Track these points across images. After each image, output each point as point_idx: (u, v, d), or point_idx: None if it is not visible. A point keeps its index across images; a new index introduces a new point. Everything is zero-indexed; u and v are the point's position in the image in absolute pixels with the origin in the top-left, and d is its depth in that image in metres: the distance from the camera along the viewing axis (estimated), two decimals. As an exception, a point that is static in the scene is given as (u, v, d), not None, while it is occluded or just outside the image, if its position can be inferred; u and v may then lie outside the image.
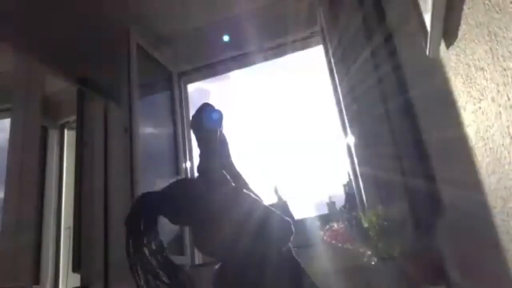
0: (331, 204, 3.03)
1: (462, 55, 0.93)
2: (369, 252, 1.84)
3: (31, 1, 2.49)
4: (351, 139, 2.27)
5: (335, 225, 2.07)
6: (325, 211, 3.03)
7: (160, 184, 1.18)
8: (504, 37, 0.66)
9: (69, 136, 3.37)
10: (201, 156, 1.20)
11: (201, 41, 3.12)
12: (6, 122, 2.78)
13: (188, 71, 3.23)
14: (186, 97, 3.23)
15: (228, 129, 1.30)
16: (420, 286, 1.72)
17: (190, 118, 1.28)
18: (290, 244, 1.13)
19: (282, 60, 3.14)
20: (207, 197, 1.09)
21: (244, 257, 1.05)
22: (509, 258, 0.89)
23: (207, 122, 1.19)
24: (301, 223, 2.81)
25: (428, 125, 1.67)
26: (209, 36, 3.08)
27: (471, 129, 0.99)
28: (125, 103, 2.62)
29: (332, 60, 2.42)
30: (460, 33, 0.91)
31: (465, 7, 0.83)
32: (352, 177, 2.37)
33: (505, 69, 0.68)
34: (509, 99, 0.69)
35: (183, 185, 1.23)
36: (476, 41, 0.81)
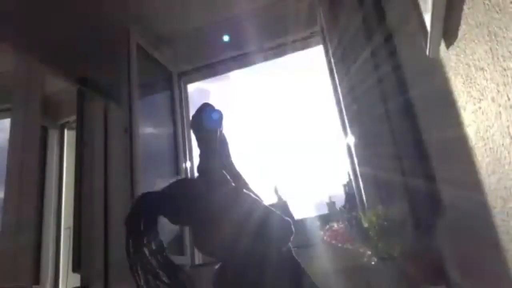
0: (331, 204, 3.03)
1: (462, 55, 0.93)
2: (369, 252, 1.84)
3: (31, 1, 2.49)
4: (351, 139, 2.27)
5: (335, 225, 2.07)
6: (325, 211, 3.03)
7: (160, 184, 1.18)
8: (504, 37, 0.66)
9: (69, 136, 3.37)
10: (201, 156, 1.20)
11: (201, 41, 3.12)
12: (6, 122, 2.78)
13: (188, 71, 3.23)
14: (186, 97, 3.23)
15: (228, 129, 1.30)
16: (420, 286, 1.72)
17: (190, 118, 1.28)
18: (290, 244, 1.13)
19: (282, 60, 3.14)
20: (207, 197, 1.09)
21: (244, 257, 1.05)
22: (509, 258, 0.89)
23: (207, 122, 1.19)
24: (301, 223, 2.81)
25: (428, 125, 1.67)
26: (209, 36, 3.08)
27: (471, 129, 0.99)
28: (125, 103, 2.62)
29: (332, 60, 2.42)
30: (460, 33, 0.91)
31: (465, 7, 0.83)
32: (352, 177, 2.37)
33: (505, 69, 0.68)
34: (509, 99, 0.69)
35: (183, 185, 1.23)
36: (476, 41, 0.81)
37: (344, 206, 2.53)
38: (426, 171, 1.71)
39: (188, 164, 2.98)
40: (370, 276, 1.92)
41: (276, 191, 3.22)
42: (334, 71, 2.41)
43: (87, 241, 2.78)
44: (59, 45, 2.72)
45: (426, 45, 1.15)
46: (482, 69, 0.81)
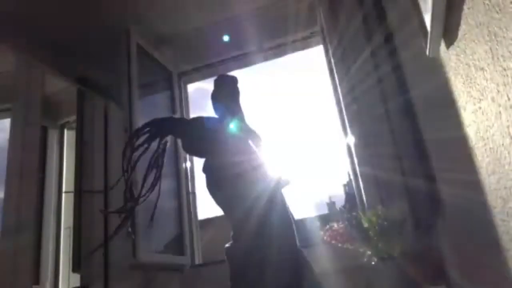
0: (331, 204, 3.04)
1: (462, 55, 0.93)
2: (369, 252, 1.84)
3: (31, 1, 2.49)
4: (351, 139, 2.26)
5: (335, 225, 2.07)
6: (325, 211, 3.04)
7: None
8: (504, 37, 0.66)
9: (69, 136, 3.37)
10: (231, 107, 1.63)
11: (201, 41, 3.12)
12: (6, 122, 2.78)
13: (188, 71, 3.23)
14: (186, 97, 3.23)
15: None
16: (420, 286, 1.72)
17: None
18: (295, 238, 1.23)
19: (282, 60, 3.14)
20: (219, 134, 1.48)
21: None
22: (509, 258, 0.89)
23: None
24: (301, 223, 2.81)
25: (428, 125, 1.67)
26: (209, 36, 3.08)
27: (471, 129, 0.99)
28: (125, 103, 2.62)
29: (332, 60, 2.42)
30: (460, 33, 0.90)
31: (465, 7, 0.83)
32: (352, 177, 2.37)
33: (505, 69, 0.68)
34: (509, 99, 0.69)
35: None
36: (476, 41, 0.81)
37: (344, 206, 2.53)
38: (426, 171, 1.71)
39: (188, 164, 2.98)
40: (370, 276, 1.92)
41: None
42: (334, 71, 2.41)
43: (87, 241, 2.78)
44: (59, 45, 2.73)
45: (426, 45, 1.15)
46: (482, 69, 0.81)
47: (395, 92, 2.04)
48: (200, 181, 1.79)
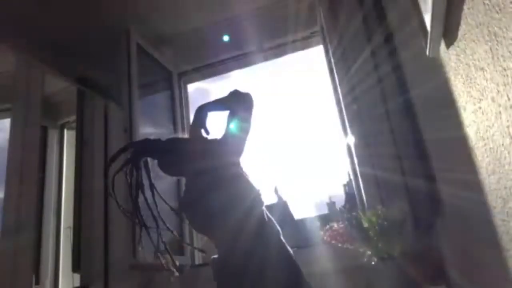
0: (331, 204, 3.04)
1: (462, 55, 0.93)
2: (369, 252, 1.84)
3: (31, 1, 2.49)
4: (351, 139, 2.26)
5: (335, 225, 2.07)
6: (325, 211, 3.04)
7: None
8: (504, 37, 0.66)
9: (69, 136, 3.37)
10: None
11: (201, 41, 3.12)
12: (6, 122, 2.78)
13: (188, 71, 3.23)
14: (186, 97, 3.23)
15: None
16: (420, 286, 1.72)
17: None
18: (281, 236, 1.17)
19: (282, 60, 3.14)
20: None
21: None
22: (509, 258, 0.89)
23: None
24: (301, 223, 2.81)
25: (428, 125, 1.67)
26: (209, 36, 3.08)
27: (471, 129, 0.99)
28: (125, 103, 2.61)
29: (332, 60, 2.42)
30: (460, 33, 0.90)
31: (465, 7, 0.83)
32: (352, 177, 2.37)
33: (505, 69, 0.68)
34: (509, 99, 0.69)
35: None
36: (476, 41, 0.81)
37: (344, 206, 2.53)
38: (426, 171, 1.71)
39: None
40: (370, 276, 1.92)
41: (276, 191, 3.22)
42: (334, 71, 2.41)
43: (87, 241, 2.78)
44: (59, 45, 2.73)
45: (426, 45, 1.15)
46: (482, 69, 0.81)
47: (395, 92, 2.04)
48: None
